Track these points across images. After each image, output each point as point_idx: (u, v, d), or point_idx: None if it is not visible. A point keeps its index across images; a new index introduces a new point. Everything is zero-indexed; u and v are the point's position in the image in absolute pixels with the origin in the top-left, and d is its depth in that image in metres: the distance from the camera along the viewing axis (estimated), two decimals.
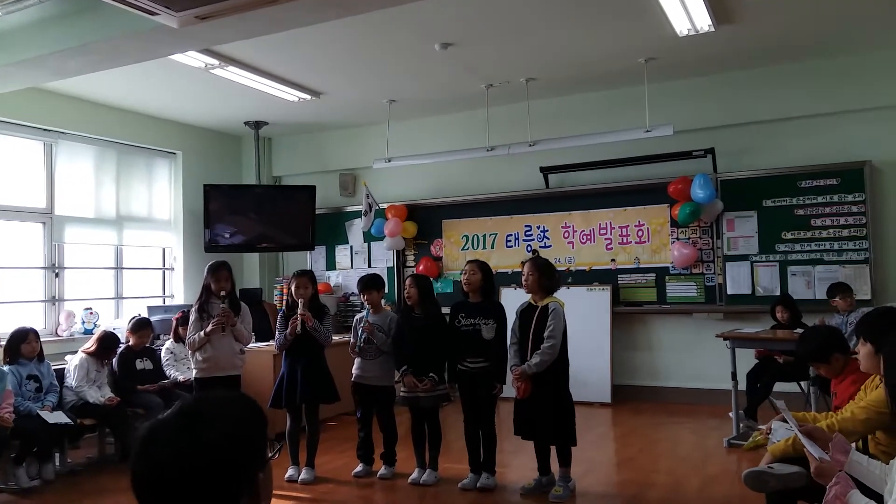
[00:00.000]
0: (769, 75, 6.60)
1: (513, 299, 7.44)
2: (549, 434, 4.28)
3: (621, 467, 5.04)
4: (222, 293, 4.75)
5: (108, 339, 5.49)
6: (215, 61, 5.77)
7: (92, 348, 5.42)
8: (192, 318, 4.79)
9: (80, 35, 4.41)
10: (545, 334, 4.19)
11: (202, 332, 4.66)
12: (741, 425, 5.47)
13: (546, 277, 4.34)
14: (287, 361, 4.84)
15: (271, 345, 6.36)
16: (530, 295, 4.43)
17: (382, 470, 4.82)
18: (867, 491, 2.04)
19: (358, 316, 5.01)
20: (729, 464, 4.90)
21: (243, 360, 4.94)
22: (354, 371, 4.91)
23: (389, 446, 4.87)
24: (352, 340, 4.93)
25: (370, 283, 4.96)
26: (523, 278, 4.39)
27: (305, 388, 4.73)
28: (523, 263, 4.54)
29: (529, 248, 7.40)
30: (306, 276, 4.88)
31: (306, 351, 4.77)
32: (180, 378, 5.78)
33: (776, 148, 6.69)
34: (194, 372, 4.82)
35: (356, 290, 5.25)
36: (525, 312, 4.40)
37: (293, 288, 4.81)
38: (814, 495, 2.78)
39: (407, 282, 4.79)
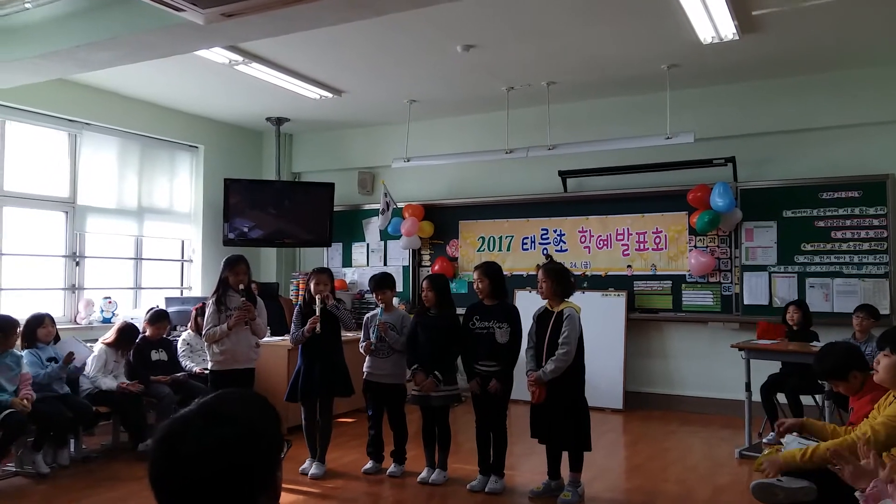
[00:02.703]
0: (792, 85, 6.55)
1: (528, 303, 7.45)
2: (565, 439, 4.28)
3: (630, 474, 5.03)
4: (240, 287, 4.83)
5: (128, 331, 5.57)
6: (239, 58, 5.83)
7: (111, 339, 5.50)
8: (209, 310, 4.84)
9: (107, 29, 4.48)
10: (560, 340, 4.18)
11: (224, 326, 4.71)
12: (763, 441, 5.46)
13: (559, 284, 4.33)
14: (304, 356, 4.88)
15: (286, 339, 6.42)
16: (546, 300, 4.43)
17: (392, 468, 4.84)
18: None
19: (369, 314, 5.02)
20: (739, 475, 4.88)
21: (258, 353, 5.01)
22: (366, 369, 4.93)
23: (399, 445, 4.89)
24: (363, 339, 4.95)
25: (382, 283, 4.98)
26: (538, 285, 4.41)
27: (322, 382, 4.78)
28: (538, 268, 4.53)
29: (545, 252, 7.38)
30: (325, 274, 4.93)
31: (324, 345, 4.82)
32: (195, 369, 5.85)
33: (797, 158, 6.64)
34: (210, 364, 4.87)
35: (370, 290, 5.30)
36: (542, 317, 4.41)
37: (312, 284, 4.85)
38: None
39: (424, 283, 4.76)
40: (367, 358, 4.92)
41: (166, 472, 1.16)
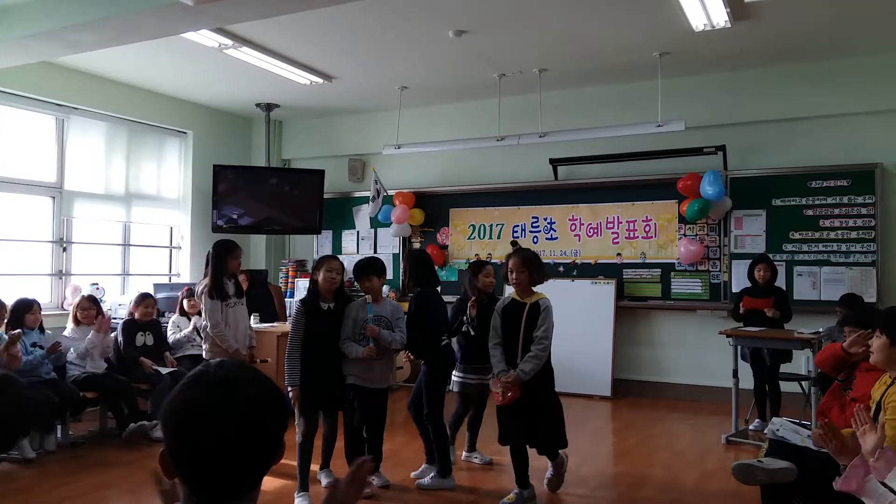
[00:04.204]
0: (783, 74, 6.56)
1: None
2: (548, 440, 3.97)
3: (618, 460, 5.06)
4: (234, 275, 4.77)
5: (17, 305, 5.26)
6: (229, 41, 5.77)
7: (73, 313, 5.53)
8: (207, 304, 4.57)
9: (95, 9, 4.42)
10: (537, 334, 3.84)
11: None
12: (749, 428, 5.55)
13: (537, 273, 3.95)
14: (308, 362, 4.09)
15: (275, 326, 6.41)
16: (513, 290, 4.05)
17: (376, 480, 4.25)
18: None
19: (354, 303, 4.22)
20: (726, 460, 4.90)
21: (253, 341, 4.96)
22: (351, 372, 4.17)
23: (379, 455, 4.25)
24: (345, 334, 4.15)
25: (368, 268, 4.23)
26: (511, 276, 3.96)
27: (332, 393, 4.15)
28: (508, 258, 4.06)
29: (513, 239, 7.24)
30: (339, 261, 4.25)
31: (333, 350, 4.14)
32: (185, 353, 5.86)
33: (787, 147, 6.67)
34: (205, 354, 4.72)
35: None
36: (509, 310, 3.99)
37: (324, 272, 4.10)
38: (809, 492, 2.80)
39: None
40: (352, 360, 4.14)
41: (190, 449, 1.16)
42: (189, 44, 5.76)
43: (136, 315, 5.78)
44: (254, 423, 1.18)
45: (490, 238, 7.80)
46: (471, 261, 6.23)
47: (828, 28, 5.64)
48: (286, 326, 6.24)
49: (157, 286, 7.09)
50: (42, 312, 5.38)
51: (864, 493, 2.02)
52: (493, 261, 7.21)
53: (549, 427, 3.91)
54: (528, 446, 3.98)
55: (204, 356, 4.73)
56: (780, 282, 6.43)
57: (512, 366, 3.86)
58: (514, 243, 4.44)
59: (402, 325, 4.26)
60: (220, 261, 4.65)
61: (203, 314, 4.71)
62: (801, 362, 5.98)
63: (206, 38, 5.64)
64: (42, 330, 5.32)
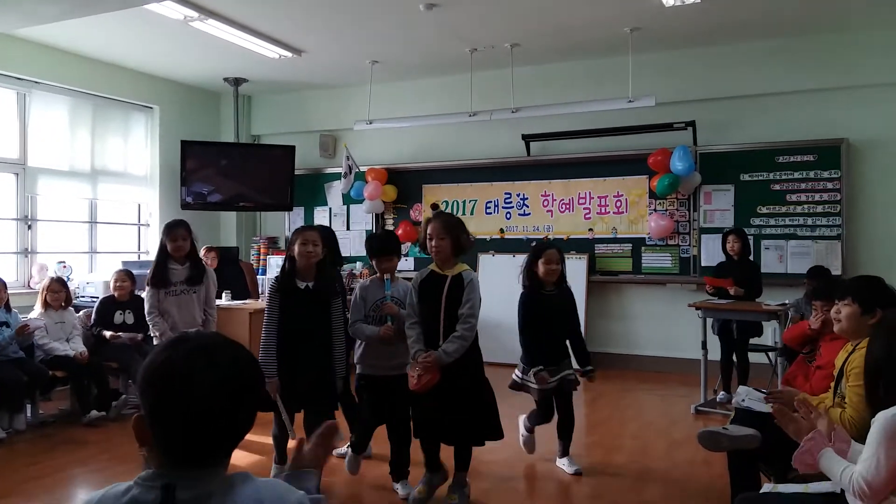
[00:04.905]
0: (752, 50, 6.62)
1: (490, 267, 7.53)
2: (473, 430, 3.44)
3: (590, 430, 5.14)
4: (183, 255, 4.40)
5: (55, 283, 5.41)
6: (195, 13, 5.65)
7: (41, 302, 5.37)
8: (147, 291, 4.36)
9: None
10: (462, 311, 3.33)
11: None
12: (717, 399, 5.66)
13: (461, 240, 3.43)
14: (284, 350, 3.61)
15: (247, 303, 6.36)
16: (433, 263, 3.51)
17: (401, 489, 3.69)
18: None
19: (362, 283, 3.82)
20: (695, 429, 4.93)
21: (211, 319, 4.64)
22: (362, 361, 3.75)
23: (404, 455, 3.74)
24: (355, 315, 3.72)
25: (390, 247, 3.79)
26: (430, 243, 3.42)
27: (309, 392, 3.59)
28: (427, 222, 3.50)
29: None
30: (316, 231, 3.72)
31: (314, 338, 3.61)
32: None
33: (756, 123, 6.75)
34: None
35: (368, 256, 3.94)
36: (427, 284, 3.46)
37: (299, 246, 3.59)
38: (773, 458, 2.87)
39: (551, 253, 3.96)
40: (363, 346, 3.75)
41: (173, 409, 1.16)
42: (154, 16, 5.63)
43: (116, 294, 5.64)
44: (231, 386, 1.18)
45: (463, 214, 7.79)
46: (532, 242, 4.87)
47: (796, 4, 5.69)
48: (258, 304, 6.21)
49: (126, 263, 6.96)
50: (8, 291, 5.27)
51: (820, 467, 2.08)
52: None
53: (477, 416, 3.40)
54: (442, 443, 3.50)
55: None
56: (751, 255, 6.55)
57: (433, 349, 3.35)
58: (434, 206, 3.92)
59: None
60: (162, 245, 4.43)
61: None
62: (769, 333, 6.10)
63: (171, 9, 5.52)
64: (8, 309, 5.21)
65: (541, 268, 3.99)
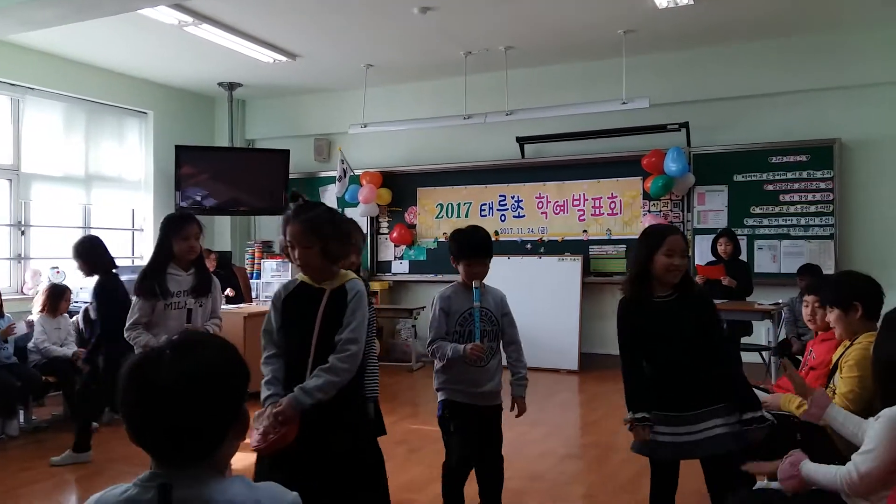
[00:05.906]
0: (745, 51, 6.65)
1: (490, 273, 7.49)
2: None
3: (585, 430, 5.15)
4: (192, 259, 3.48)
5: (55, 291, 5.42)
6: (189, 18, 5.66)
7: (42, 305, 5.36)
8: (134, 300, 3.42)
9: None
10: (341, 336, 2.29)
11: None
12: None
13: (335, 244, 2.36)
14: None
15: (242, 307, 6.35)
16: (301, 273, 2.42)
17: None
18: (827, 457, 2.12)
19: (444, 292, 3.01)
20: None
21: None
22: (451, 385, 2.95)
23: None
24: (438, 330, 2.94)
25: (486, 246, 3.00)
26: (292, 253, 2.35)
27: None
28: (286, 222, 2.38)
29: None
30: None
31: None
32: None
33: (749, 123, 6.77)
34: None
35: (453, 258, 3.02)
36: (296, 301, 2.40)
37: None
38: (767, 457, 2.88)
39: (674, 240, 2.63)
40: (446, 367, 2.94)
41: (143, 404, 1.16)
42: (148, 21, 5.64)
43: None
44: (205, 380, 1.17)
45: (458, 217, 7.81)
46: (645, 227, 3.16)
47: (788, 5, 5.72)
48: (252, 307, 6.20)
49: (120, 269, 6.95)
50: (2, 297, 5.25)
51: (805, 478, 2.08)
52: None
53: (350, 497, 2.29)
54: None
55: None
56: (742, 256, 6.57)
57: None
58: (294, 196, 2.50)
59: (510, 323, 3.06)
60: (165, 243, 3.43)
61: None
62: (762, 333, 6.12)
63: (166, 14, 5.53)
64: (1, 314, 5.20)
65: (660, 262, 2.63)
